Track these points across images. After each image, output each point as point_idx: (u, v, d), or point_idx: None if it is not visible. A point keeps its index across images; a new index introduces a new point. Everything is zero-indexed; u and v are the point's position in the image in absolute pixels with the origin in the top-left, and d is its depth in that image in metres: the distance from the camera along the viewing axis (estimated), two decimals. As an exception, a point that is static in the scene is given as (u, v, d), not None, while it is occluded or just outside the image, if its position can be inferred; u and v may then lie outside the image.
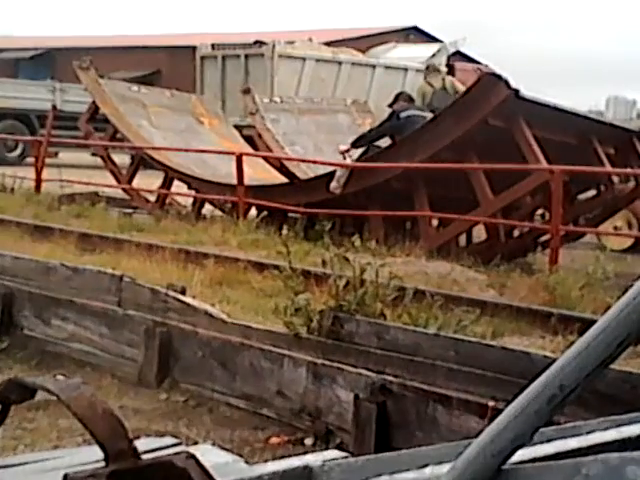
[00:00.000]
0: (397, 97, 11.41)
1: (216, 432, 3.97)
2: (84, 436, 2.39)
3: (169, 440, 1.25)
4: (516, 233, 10.61)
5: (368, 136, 11.16)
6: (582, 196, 10.98)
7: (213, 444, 3.76)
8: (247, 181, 11.06)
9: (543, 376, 1.03)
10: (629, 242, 11.74)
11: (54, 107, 18.38)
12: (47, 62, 39.65)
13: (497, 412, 1.16)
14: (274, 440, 3.90)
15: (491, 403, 3.48)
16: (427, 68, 14.75)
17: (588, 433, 1.28)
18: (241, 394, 4.23)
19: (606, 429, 1.29)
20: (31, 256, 6.31)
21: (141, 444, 0.95)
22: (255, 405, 4.16)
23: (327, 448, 3.68)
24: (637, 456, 0.91)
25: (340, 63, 19.92)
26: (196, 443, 3.76)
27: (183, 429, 3.97)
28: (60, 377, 3.05)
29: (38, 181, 13.71)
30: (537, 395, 1.01)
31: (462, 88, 12.98)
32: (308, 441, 3.90)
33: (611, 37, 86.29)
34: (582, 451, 1.15)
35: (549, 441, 1.16)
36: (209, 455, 1.06)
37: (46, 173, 13.94)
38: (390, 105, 11.30)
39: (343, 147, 11.23)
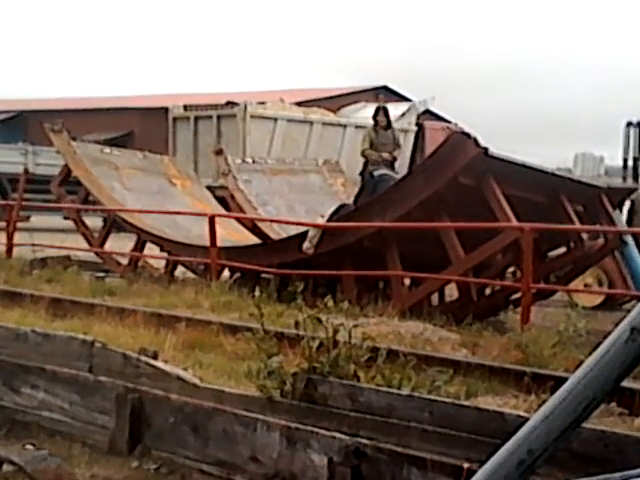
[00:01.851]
0: (365, 164, 11.60)
1: (189, 500, 3.91)
2: (53, 509, 2.37)
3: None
4: (488, 291, 10.64)
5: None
6: (552, 253, 11.07)
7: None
8: (220, 242, 11.07)
9: (511, 441, 1.03)
10: (600, 299, 11.82)
11: (26, 170, 18.36)
12: (19, 125, 39.75)
13: (472, 474, 1.17)
14: (248, 507, 3.84)
15: (466, 465, 3.47)
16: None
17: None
18: (214, 460, 4.18)
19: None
20: (1, 322, 6.24)
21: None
22: (228, 471, 4.11)
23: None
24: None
25: (312, 123, 20.13)
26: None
27: (155, 498, 3.92)
28: (28, 447, 3.00)
29: (9, 245, 13.63)
30: (506, 460, 1.02)
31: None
32: (282, 507, 3.85)
33: (578, 94, 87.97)
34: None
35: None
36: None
37: (17, 237, 13.87)
38: (361, 173, 11.48)
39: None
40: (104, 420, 4.60)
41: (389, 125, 14.48)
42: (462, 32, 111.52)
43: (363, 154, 14.07)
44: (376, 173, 10.92)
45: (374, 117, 14.56)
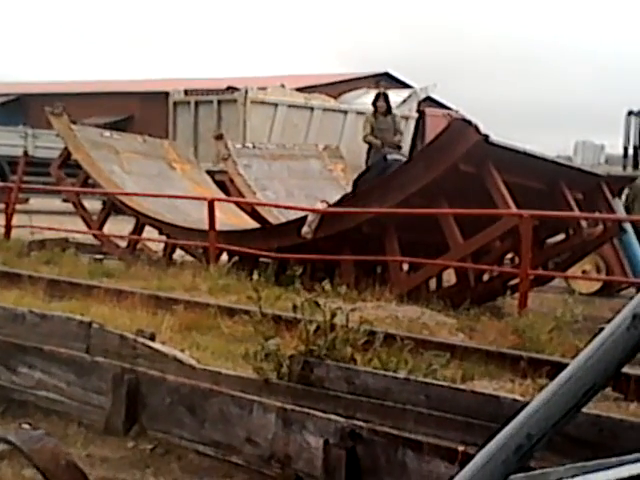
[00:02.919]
0: (370, 147, 11.62)
1: (184, 481, 3.92)
2: (48, 486, 2.36)
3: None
4: (486, 277, 10.65)
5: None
6: (551, 240, 11.07)
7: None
8: (219, 226, 11.06)
9: (510, 425, 1.03)
10: (597, 286, 11.84)
11: (25, 153, 18.33)
12: (19, 108, 39.66)
13: (467, 457, 1.17)
14: (243, 488, 3.85)
15: (461, 448, 3.47)
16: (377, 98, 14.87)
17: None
18: (210, 441, 4.19)
19: (573, 476, 1.29)
20: (-1, 303, 6.25)
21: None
22: (224, 452, 4.12)
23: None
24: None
25: (312, 109, 20.08)
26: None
27: (151, 478, 3.92)
28: (25, 427, 2.98)
29: (8, 227, 13.61)
30: (504, 444, 1.01)
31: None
32: (277, 488, 3.86)
33: (580, 81, 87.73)
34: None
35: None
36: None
37: (16, 219, 13.86)
38: (367, 155, 11.51)
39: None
40: (100, 400, 4.61)
41: (389, 111, 14.49)
42: (463, 17, 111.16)
43: (365, 140, 14.15)
44: (389, 157, 10.92)
45: (374, 103, 14.62)
